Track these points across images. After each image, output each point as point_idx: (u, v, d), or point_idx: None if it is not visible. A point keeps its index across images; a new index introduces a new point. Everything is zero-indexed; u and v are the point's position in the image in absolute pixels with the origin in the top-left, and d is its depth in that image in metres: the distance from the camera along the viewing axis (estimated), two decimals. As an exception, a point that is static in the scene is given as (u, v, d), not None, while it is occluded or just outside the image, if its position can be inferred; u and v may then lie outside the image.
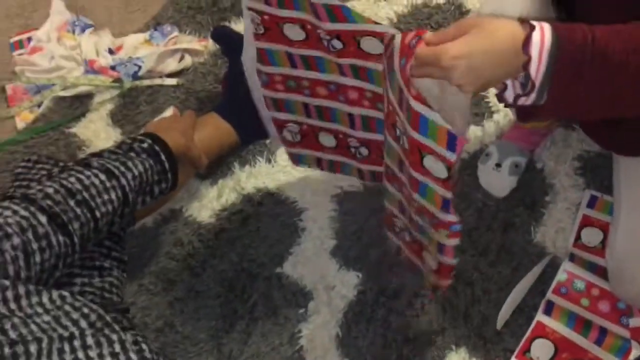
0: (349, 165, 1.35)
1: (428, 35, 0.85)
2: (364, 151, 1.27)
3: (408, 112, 0.90)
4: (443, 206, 0.97)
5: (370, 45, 1.02)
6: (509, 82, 0.85)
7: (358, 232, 1.42)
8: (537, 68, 0.80)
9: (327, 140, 1.30)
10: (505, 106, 0.88)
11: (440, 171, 0.92)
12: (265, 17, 1.10)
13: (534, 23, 0.80)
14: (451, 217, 0.98)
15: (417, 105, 0.87)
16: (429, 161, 0.93)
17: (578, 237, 1.32)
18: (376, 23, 0.99)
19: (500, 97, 0.87)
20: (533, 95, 0.83)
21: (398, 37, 0.91)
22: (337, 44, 1.06)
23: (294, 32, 1.10)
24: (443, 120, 0.85)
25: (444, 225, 1.00)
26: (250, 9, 1.11)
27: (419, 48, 0.84)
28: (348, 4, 1.67)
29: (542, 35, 0.80)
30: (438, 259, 1.09)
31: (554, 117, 0.89)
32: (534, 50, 0.80)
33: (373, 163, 1.27)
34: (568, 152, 1.41)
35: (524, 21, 0.81)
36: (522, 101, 0.84)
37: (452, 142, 0.86)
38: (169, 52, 1.72)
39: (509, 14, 0.88)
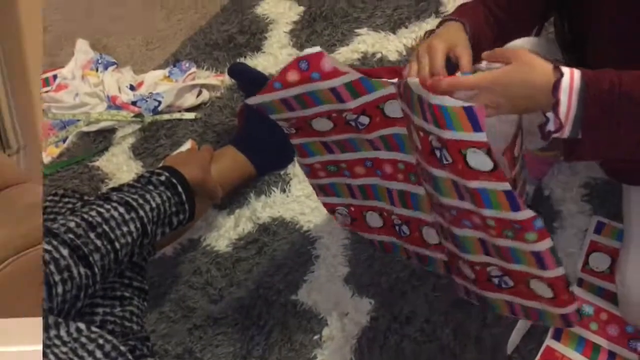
0: (397, 245, 1.31)
1: (486, 53, 0.91)
2: (406, 229, 1.24)
3: (432, 115, 0.90)
4: (510, 202, 0.92)
5: (393, 109, 1.03)
6: (551, 116, 0.87)
7: (370, 259, 1.44)
8: (567, 112, 0.84)
9: (374, 220, 1.28)
10: (543, 138, 0.90)
11: (485, 163, 0.90)
12: (293, 120, 1.13)
13: (564, 69, 0.84)
14: (527, 213, 0.92)
15: (435, 98, 0.87)
16: (471, 158, 0.91)
17: (586, 263, 1.33)
18: (392, 82, 0.99)
19: (541, 130, 0.90)
20: (565, 133, 0.86)
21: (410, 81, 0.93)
22: (364, 120, 1.07)
23: (322, 124, 1.12)
24: (455, 101, 0.86)
25: (527, 225, 0.92)
26: (278, 120, 1.15)
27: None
28: (357, 39, 1.76)
29: (572, 80, 0.83)
30: (546, 279, 0.98)
31: (595, 158, 0.91)
32: (563, 95, 0.84)
33: (414, 243, 1.23)
34: (575, 179, 1.42)
35: (556, 66, 0.85)
36: (556, 136, 0.88)
37: (473, 118, 0.86)
38: (188, 87, 1.77)
39: None
